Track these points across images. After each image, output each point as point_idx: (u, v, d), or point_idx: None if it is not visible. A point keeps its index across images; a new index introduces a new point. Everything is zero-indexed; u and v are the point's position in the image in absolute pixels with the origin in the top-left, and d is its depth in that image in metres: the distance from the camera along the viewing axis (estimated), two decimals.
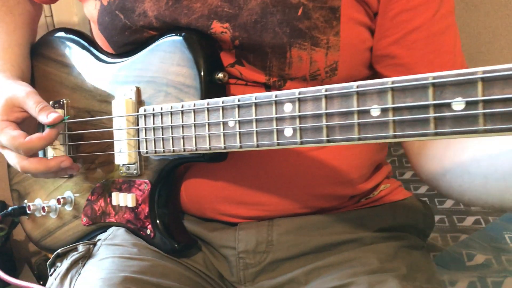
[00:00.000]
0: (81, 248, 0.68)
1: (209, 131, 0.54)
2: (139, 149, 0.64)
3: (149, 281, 0.59)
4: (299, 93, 0.46)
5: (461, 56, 0.65)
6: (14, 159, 0.68)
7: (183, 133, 0.57)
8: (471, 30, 1.63)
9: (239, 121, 0.51)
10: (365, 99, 0.42)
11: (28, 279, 1.28)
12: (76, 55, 0.76)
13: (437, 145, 0.61)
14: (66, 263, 0.66)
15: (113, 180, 0.70)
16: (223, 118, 0.52)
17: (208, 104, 0.54)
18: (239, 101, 0.51)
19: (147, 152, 0.63)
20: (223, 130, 0.52)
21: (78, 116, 0.74)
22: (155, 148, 0.61)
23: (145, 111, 0.62)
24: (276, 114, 0.48)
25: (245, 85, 0.64)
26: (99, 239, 0.70)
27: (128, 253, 0.64)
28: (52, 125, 0.65)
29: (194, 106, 0.55)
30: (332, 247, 0.67)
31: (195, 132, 0.55)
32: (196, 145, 0.56)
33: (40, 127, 0.76)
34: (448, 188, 0.60)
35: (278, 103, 0.48)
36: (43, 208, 0.80)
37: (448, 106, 0.38)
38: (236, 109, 0.51)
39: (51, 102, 0.77)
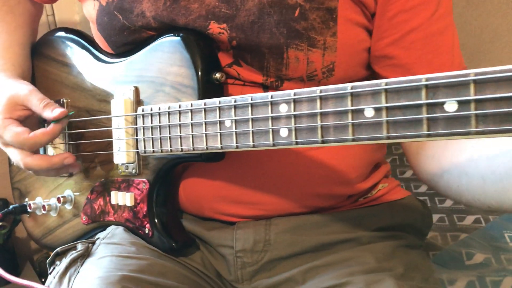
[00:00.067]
0: (80, 246, 0.69)
1: (206, 131, 0.54)
2: (137, 148, 0.65)
3: (147, 279, 0.60)
4: (295, 94, 0.46)
5: (459, 56, 0.65)
6: (17, 156, 0.69)
7: (180, 133, 0.57)
8: (473, 29, 1.63)
9: (235, 120, 0.51)
10: (359, 100, 0.42)
11: (30, 276, 1.29)
12: (76, 55, 0.77)
13: (435, 145, 0.61)
14: (65, 261, 0.67)
15: (112, 179, 0.71)
16: (219, 118, 0.53)
17: (205, 104, 0.54)
18: (235, 101, 0.51)
19: (145, 152, 0.63)
20: (220, 130, 0.53)
21: (78, 116, 0.75)
22: (153, 147, 0.62)
23: (143, 110, 0.62)
24: (271, 114, 0.48)
25: (243, 85, 0.64)
26: (98, 238, 0.70)
27: (126, 252, 0.65)
28: (56, 121, 0.65)
29: (191, 106, 0.56)
30: (329, 247, 0.67)
31: (192, 132, 0.56)
32: (193, 145, 0.56)
33: (41, 125, 0.76)
34: (446, 189, 0.60)
35: (274, 104, 0.48)
36: (43, 206, 0.80)
37: (440, 107, 0.38)
38: (233, 110, 0.51)
39: None
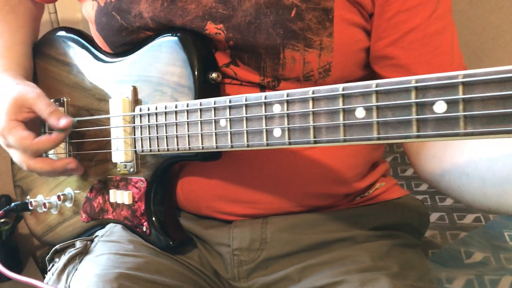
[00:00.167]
0: (78, 244, 0.69)
1: (201, 131, 0.55)
2: (135, 147, 0.65)
3: (143, 277, 0.61)
4: (288, 95, 0.47)
5: (459, 56, 0.65)
6: (19, 158, 0.70)
7: (176, 132, 0.58)
8: (476, 26, 1.62)
9: (230, 120, 0.52)
10: (350, 101, 0.43)
11: (33, 272, 1.30)
12: (76, 54, 0.78)
13: (436, 145, 0.61)
14: (64, 258, 0.68)
15: (111, 178, 0.72)
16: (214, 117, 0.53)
17: (200, 104, 0.55)
18: (230, 101, 0.52)
19: (142, 151, 0.64)
20: (215, 130, 0.53)
21: (78, 114, 0.75)
22: (150, 146, 0.62)
23: (140, 110, 0.63)
24: (265, 114, 0.49)
25: (240, 85, 0.65)
26: (97, 236, 0.71)
27: (124, 249, 0.66)
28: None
29: (187, 106, 0.56)
30: (325, 245, 0.68)
31: (188, 132, 0.56)
32: (189, 144, 0.57)
33: (42, 126, 0.77)
34: (447, 188, 0.60)
35: (268, 104, 0.48)
36: (44, 204, 0.81)
37: (430, 108, 0.38)
38: (228, 110, 0.52)
39: (52, 100, 0.78)
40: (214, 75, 0.61)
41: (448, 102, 0.37)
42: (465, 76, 0.36)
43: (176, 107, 0.58)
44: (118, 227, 0.71)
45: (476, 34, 1.62)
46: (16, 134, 0.67)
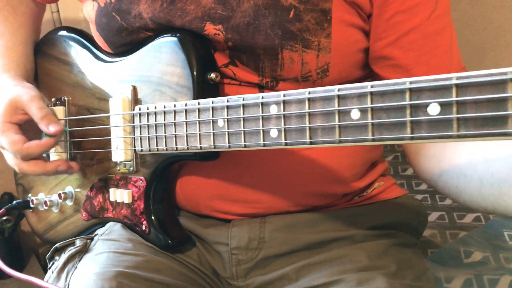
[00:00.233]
0: (78, 242, 0.70)
1: (199, 131, 0.55)
2: (134, 147, 0.66)
3: (142, 276, 0.61)
4: (284, 95, 0.47)
5: (458, 57, 0.65)
6: (12, 160, 0.70)
7: (175, 132, 0.58)
8: (477, 25, 1.62)
9: (227, 120, 0.52)
10: (346, 103, 0.43)
11: (35, 269, 1.32)
12: (77, 54, 0.78)
13: (435, 145, 0.61)
14: (64, 257, 0.68)
15: (111, 177, 0.72)
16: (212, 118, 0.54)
17: (199, 104, 0.55)
18: (228, 102, 0.52)
19: (141, 150, 0.64)
20: (213, 130, 0.54)
21: (78, 113, 0.76)
22: (149, 146, 0.63)
23: (140, 110, 0.64)
24: (262, 114, 0.49)
25: (239, 85, 0.65)
26: (97, 234, 0.72)
27: (123, 248, 0.66)
28: None
29: (185, 106, 0.57)
30: (323, 245, 0.68)
31: (186, 131, 0.57)
32: (187, 144, 0.57)
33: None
34: (444, 188, 0.60)
35: (265, 105, 0.49)
36: (45, 202, 0.82)
37: (424, 110, 0.39)
38: (225, 110, 0.52)
39: (53, 99, 0.79)
40: (212, 75, 0.61)
41: (441, 104, 0.38)
42: (458, 78, 0.37)
43: (174, 107, 0.58)
44: (118, 225, 0.72)
45: (477, 33, 1.62)
46: (8, 138, 0.67)
